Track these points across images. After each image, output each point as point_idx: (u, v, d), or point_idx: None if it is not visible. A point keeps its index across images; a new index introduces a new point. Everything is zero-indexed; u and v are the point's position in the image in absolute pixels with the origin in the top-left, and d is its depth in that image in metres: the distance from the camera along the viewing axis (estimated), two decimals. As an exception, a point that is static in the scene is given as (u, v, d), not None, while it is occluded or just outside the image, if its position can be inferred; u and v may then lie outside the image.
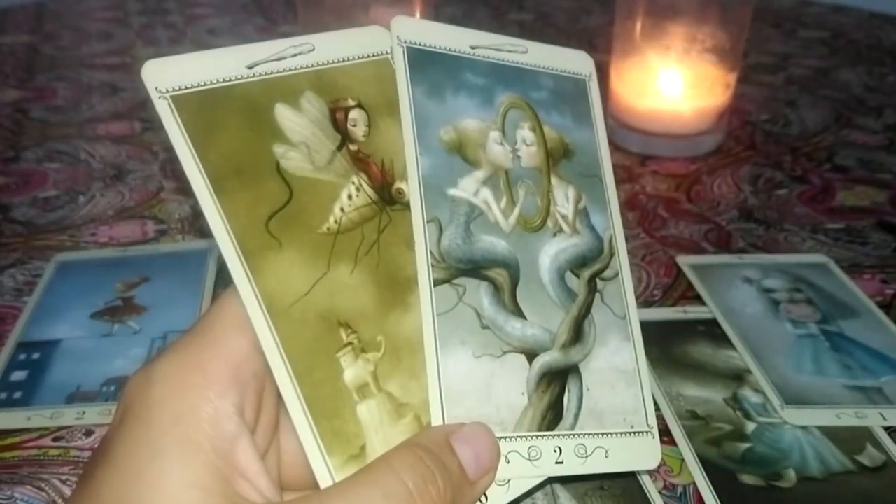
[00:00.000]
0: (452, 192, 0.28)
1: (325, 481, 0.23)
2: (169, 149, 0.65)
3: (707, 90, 0.62)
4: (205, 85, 0.25)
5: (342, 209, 0.26)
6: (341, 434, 0.23)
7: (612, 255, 0.30)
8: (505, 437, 0.25)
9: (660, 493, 0.32)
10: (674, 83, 0.62)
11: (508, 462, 0.25)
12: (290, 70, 0.27)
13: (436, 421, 0.25)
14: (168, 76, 0.25)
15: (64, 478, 0.34)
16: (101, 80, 0.81)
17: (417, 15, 0.60)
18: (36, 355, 0.40)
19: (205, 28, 0.97)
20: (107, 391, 0.38)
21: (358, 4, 0.58)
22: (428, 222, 0.27)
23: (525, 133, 0.30)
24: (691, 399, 0.37)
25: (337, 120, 0.27)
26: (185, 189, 0.58)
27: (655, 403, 0.37)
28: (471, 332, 0.26)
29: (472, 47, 0.30)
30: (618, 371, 0.29)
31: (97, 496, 0.21)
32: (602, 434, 0.27)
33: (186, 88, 0.25)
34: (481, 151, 0.29)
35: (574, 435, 0.27)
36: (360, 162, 0.27)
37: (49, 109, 0.73)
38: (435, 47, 0.29)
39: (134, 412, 0.22)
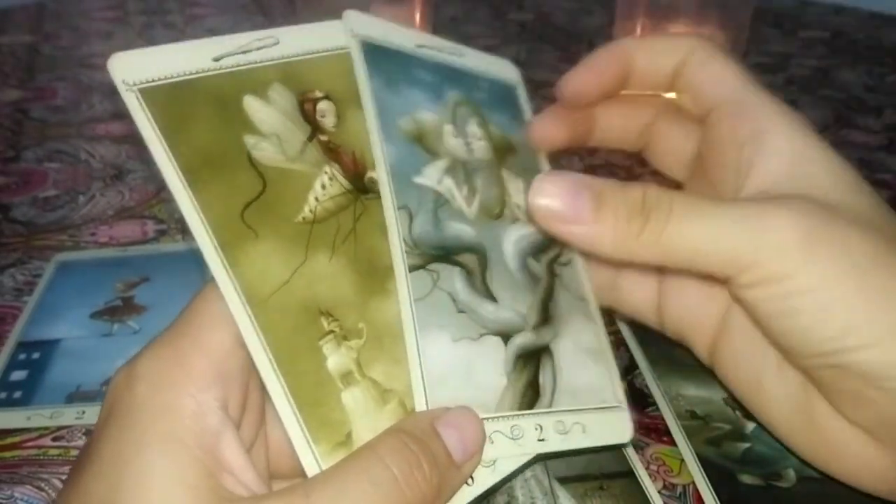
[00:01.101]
0: (418, 180, 0.28)
1: (312, 470, 0.23)
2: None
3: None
4: (172, 77, 0.25)
5: (317, 198, 0.26)
6: (327, 422, 0.23)
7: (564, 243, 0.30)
8: (488, 418, 0.26)
9: (659, 492, 0.32)
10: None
11: (493, 442, 0.25)
12: (257, 63, 0.27)
13: (419, 406, 0.25)
14: (135, 69, 0.25)
15: (64, 477, 0.34)
16: (101, 80, 0.81)
17: (417, 15, 0.60)
18: (36, 355, 0.40)
19: (205, 28, 0.97)
20: (107, 391, 0.38)
21: (358, 4, 0.58)
22: (399, 209, 0.27)
23: (474, 129, 0.31)
24: (691, 399, 0.37)
25: (306, 111, 0.27)
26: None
27: (654, 403, 0.37)
28: (448, 316, 0.26)
29: (418, 46, 0.31)
30: (585, 350, 0.29)
31: (83, 495, 0.21)
32: (578, 410, 0.28)
33: (154, 81, 0.25)
34: (439, 143, 0.29)
35: (552, 412, 0.27)
36: (332, 152, 0.27)
37: (49, 109, 0.73)
38: (386, 43, 0.30)
39: (118, 409, 0.22)
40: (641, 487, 0.33)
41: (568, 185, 0.25)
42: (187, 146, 0.24)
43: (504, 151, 0.32)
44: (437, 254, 0.27)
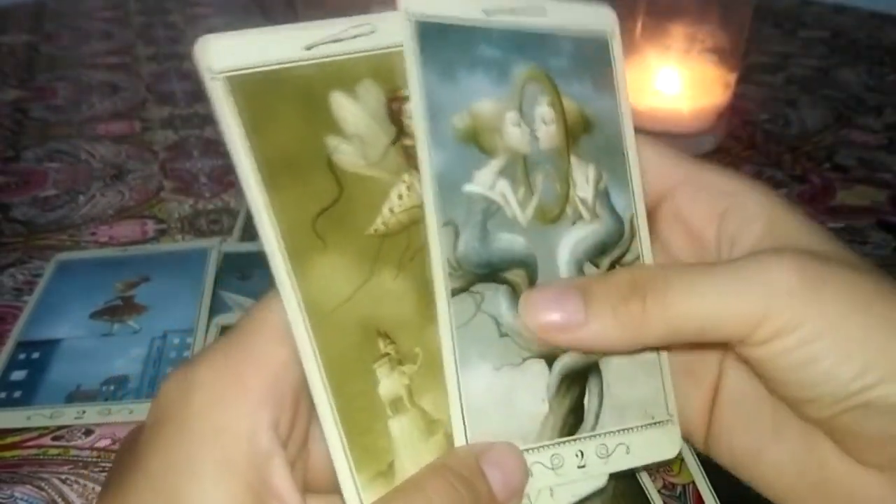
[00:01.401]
0: (468, 188, 0.26)
1: (352, 499, 0.22)
2: (170, 148, 0.65)
3: (707, 90, 0.62)
4: (260, 66, 0.23)
5: (391, 210, 0.24)
6: (371, 449, 0.23)
7: (633, 236, 0.28)
8: (527, 450, 0.25)
9: (659, 492, 0.32)
10: (673, 83, 0.62)
11: (532, 475, 0.25)
12: (349, 54, 0.25)
13: (458, 441, 0.24)
14: (222, 55, 0.23)
15: (63, 477, 0.34)
16: (101, 79, 0.81)
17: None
18: (36, 355, 0.41)
19: (205, 28, 0.97)
20: (106, 390, 0.38)
21: (359, 4, 0.58)
22: (443, 226, 0.25)
23: (544, 110, 0.28)
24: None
25: (393, 111, 0.25)
26: (185, 189, 0.58)
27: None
28: (490, 343, 0.25)
29: (486, 12, 0.28)
30: (637, 363, 0.28)
31: None
32: (623, 430, 0.27)
33: (241, 69, 0.23)
34: (497, 137, 0.27)
35: (595, 436, 0.26)
36: (414, 158, 0.25)
37: (49, 109, 0.73)
38: (446, 18, 0.27)
39: (170, 419, 0.21)
40: (641, 487, 0.33)
41: (554, 292, 0.25)
42: (268, 144, 0.23)
43: (579, 131, 0.29)
44: (482, 272, 0.26)
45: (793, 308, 0.23)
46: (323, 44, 0.24)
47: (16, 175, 0.60)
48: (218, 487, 0.20)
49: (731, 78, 0.63)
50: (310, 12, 0.63)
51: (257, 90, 0.23)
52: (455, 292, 0.25)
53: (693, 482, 0.33)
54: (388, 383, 0.23)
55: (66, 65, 0.85)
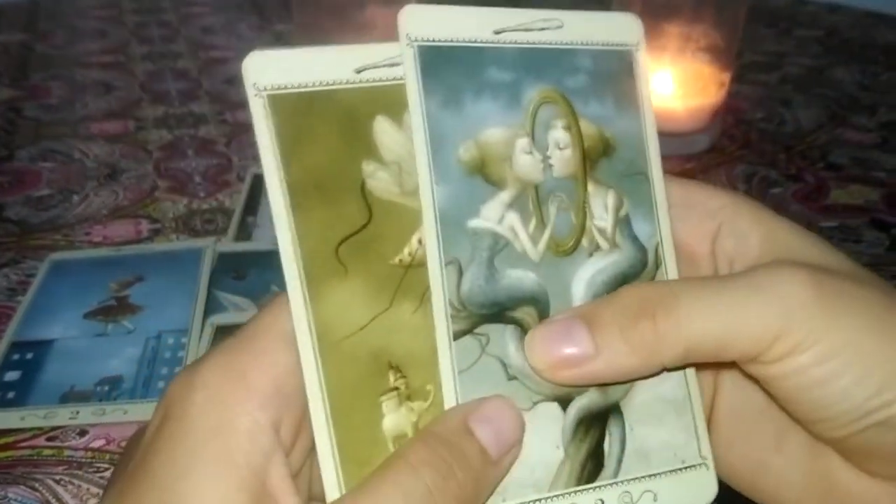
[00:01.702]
0: (474, 223, 0.25)
1: None
2: (164, 147, 0.65)
3: (701, 89, 0.62)
4: (307, 86, 0.23)
5: (419, 241, 0.24)
6: None
7: (657, 266, 0.27)
8: (540, 500, 0.24)
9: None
10: (668, 82, 0.62)
11: None
12: (398, 79, 0.24)
13: None
14: (269, 72, 0.23)
15: (58, 478, 0.34)
16: (94, 78, 0.80)
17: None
18: (29, 355, 0.40)
19: (199, 27, 0.97)
20: (100, 391, 0.38)
21: (354, 4, 0.58)
22: (446, 265, 0.24)
23: (558, 134, 0.26)
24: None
25: None
26: (179, 188, 0.58)
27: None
28: (496, 388, 0.24)
29: (496, 32, 0.26)
30: (665, 401, 0.26)
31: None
32: (649, 476, 0.25)
33: (286, 88, 0.23)
34: (507, 166, 0.25)
35: (618, 483, 0.25)
36: None
37: (43, 108, 0.73)
38: (452, 40, 0.26)
39: (173, 417, 0.22)
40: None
41: (557, 327, 0.24)
42: (302, 165, 0.23)
43: (597, 155, 0.27)
44: (487, 312, 0.24)
45: (810, 323, 0.22)
46: (374, 67, 0.24)
47: (9, 174, 0.60)
48: (214, 483, 0.20)
49: (726, 77, 0.63)
50: (305, 11, 0.62)
51: (299, 110, 0.23)
52: (458, 335, 0.24)
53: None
54: (394, 418, 0.23)
55: (59, 64, 0.85)
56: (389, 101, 0.24)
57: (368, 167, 0.24)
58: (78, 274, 0.47)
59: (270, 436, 0.22)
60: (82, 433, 0.36)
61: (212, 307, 0.44)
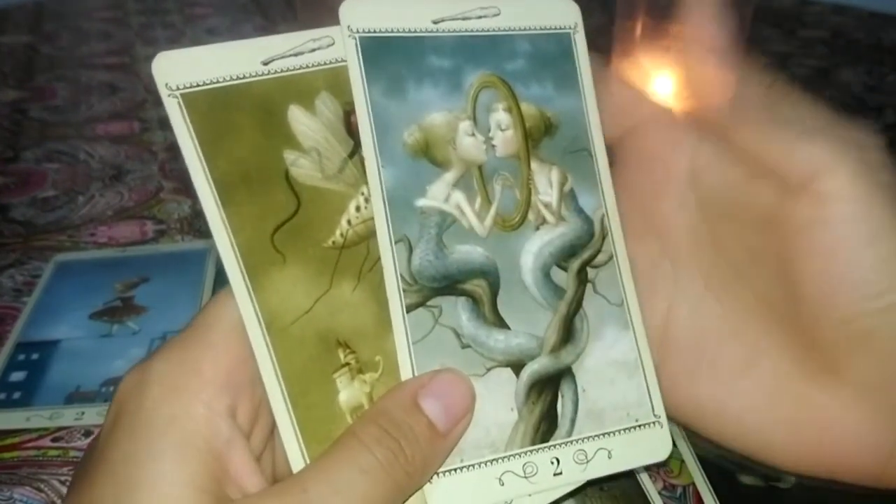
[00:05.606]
0: (421, 202, 0.26)
1: None
2: (169, 148, 0.65)
3: (706, 90, 0.62)
4: (218, 82, 0.24)
5: (349, 222, 0.25)
6: None
7: (604, 236, 0.28)
8: (496, 459, 0.25)
9: (659, 493, 0.32)
10: (672, 83, 0.62)
11: (503, 484, 0.24)
12: (307, 67, 0.25)
13: None
14: (179, 71, 0.23)
15: (63, 478, 0.34)
16: (100, 79, 0.81)
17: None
18: (35, 356, 0.40)
19: (204, 28, 0.97)
20: (106, 392, 0.38)
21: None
22: (396, 243, 0.25)
23: (499, 116, 0.28)
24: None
25: (352, 124, 0.25)
26: (185, 189, 0.58)
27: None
28: (450, 356, 0.25)
29: (435, 21, 0.27)
30: (617, 364, 0.27)
31: (93, 498, 0.21)
32: (603, 435, 0.26)
33: (199, 85, 0.23)
34: (451, 148, 0.27)
35: (572, 442, 0.26)
36: None
37: (48, 109, 0.73)
38: (392, 31, 0.26)
39: (128, 413, 0.22)
40: (641, 488, 0.33)
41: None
42: (225, 160, 0.23)
43: (539, 134, 0.28)
44: (439, 286, 0.25)
45: (848, 174, 0.24)
46: (280, 58, 0.25)
47: (15, 175, 0.60)
48: (177, 470, 0.21)
49: (732, 78, 0.63)
50: (309, 11, 0.62)
51: (214, 106, 0.23)
52: (410, 308, 0.25)
53: (693, 483, 0.33)
54: (349, 392, 0.24)
55: (65, 65, 0.85)
56: (299, 89, 0.25)
57: (290, 156, 0.24)
58: (83, 275, 0.47)
59: (228, 421, 0.22)
60: (88, 434, 0.36)
61: (217, 308, 0.44)
